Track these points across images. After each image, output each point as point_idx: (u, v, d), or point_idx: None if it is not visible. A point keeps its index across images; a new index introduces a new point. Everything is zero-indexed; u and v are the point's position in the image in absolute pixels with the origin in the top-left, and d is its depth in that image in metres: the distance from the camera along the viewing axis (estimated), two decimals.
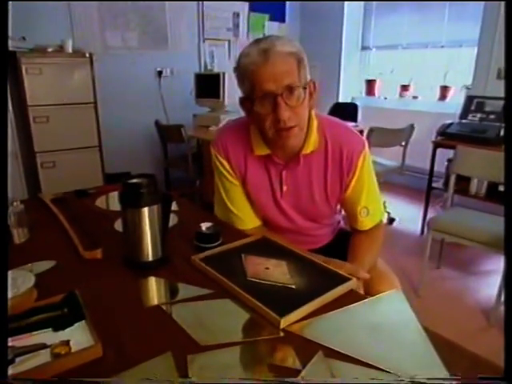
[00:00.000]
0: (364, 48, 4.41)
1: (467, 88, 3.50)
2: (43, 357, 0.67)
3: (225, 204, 1.21)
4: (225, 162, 1.16)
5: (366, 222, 1.18)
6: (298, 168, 1.12)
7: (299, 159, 1.10)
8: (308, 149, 1.08)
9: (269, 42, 0.94)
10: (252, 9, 4.24)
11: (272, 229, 1.24)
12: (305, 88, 0.98)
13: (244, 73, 0.97)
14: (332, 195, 1.15)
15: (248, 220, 1.22)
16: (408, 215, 3.39)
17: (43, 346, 0.68)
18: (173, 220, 1.22)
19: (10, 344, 0.68)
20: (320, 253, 1.13)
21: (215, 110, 3.54)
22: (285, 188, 1.15)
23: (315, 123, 1.09)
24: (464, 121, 2.92)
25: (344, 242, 1.24)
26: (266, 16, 4.37)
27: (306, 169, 1.12)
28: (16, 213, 1.10)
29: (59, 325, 0.74)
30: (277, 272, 0.94)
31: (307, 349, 0.70)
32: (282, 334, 0.74)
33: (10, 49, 2.65)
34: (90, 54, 2.97)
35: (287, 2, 4.49)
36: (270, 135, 1.02)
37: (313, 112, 1.09)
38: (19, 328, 0.73)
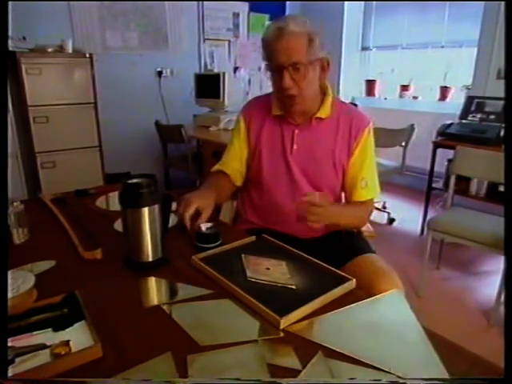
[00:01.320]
0: (364, 48, 4.41)
1: (467, 88, 3.50)
2: (43, 357, 0.67)
3: (225, 153, 1.38)
4: (243, 124, 1.32)
5: (363, 193, 1.26)
6: (310, 129, 1.24)
7: (311, 121, 1.23)
8: (321, 114, 1.22)
9: (284, 22, 1.09)
10: (252, 9, 4.24)
11: (277, 191, 1.28)
12: (312, 64, 1.12)
13: (264, 45, 1.14)
14: (338, 161, 1.24)
15: (227, 164, 1.35)
16: (408, 215, 3.39)
17: (43, 346, 0.68)
18: (173, 220, 1.22)
19: (10, 344, 0.68)
20: (317, 248, 1.13)
21: (215, 110, 3.53)
22: (295, 147, 1.25)
23: (330, 98, 1.24)
24: (464, 121, 2.92)
25: (343, 241, 1.26)
26: (266, 16, 4.37)
27: (318, 131, 1.24)
28: (16, 213, 1.10)
29: (59, 325, 0.74)
30: (277, 272, 0.94)
31: (307, 349, 0.70)
32: (281, 334, 0.74)
33: (10, 49, 2.65)
34: (90, 54, 2.97)
35: (287, 2, 4.49)
36: (280, 98, 1.21)
37: (330, 91, 1.24)
38: (19, 328, 0.73)
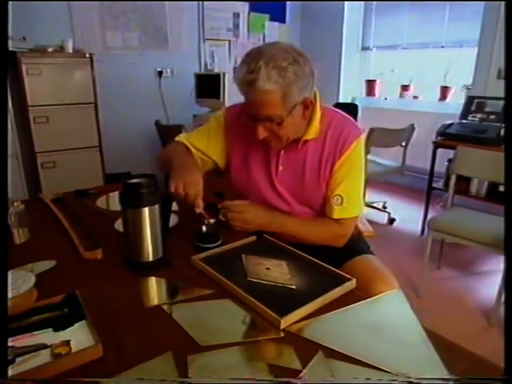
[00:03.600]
0: (364, 48, 4.41)
1: (467, 88, 3.50)
2: (43, 357, 0.67)
3: (193, 134, 1.31)
4: (224, 131, 1.26)
5: (336, 210, 1.17)
6: (296, 150, 1.17)
7: (298, 144, 1.15)
8: (309, 136, 1.14)
9: (254, 73, 0.96)
10: (252, 9, 4.23)
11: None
12: (291, 112, 1.02)
13: (238, 87, 1.04)
14: (323, 179, 1.17)
15: (197, 144, 1.27)
16: (408, 215, 3.38)
17: (44, 346, 0.68)
18: (173, 220, 1.22)
19: (10, 344, 0.68)
20: (314, 249, 1.12)
21: (215, 110, 3.53)
22: (280, 168, 1.20)
23: (318, 115, 1.14)
24: (464, 121, 2.92)
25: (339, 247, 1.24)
26: (267, 16, 4.36)
27: (303, 152, 1.17)
28: (16, 213, 1.10)
29: (59, 325, 0.74)
30: (277, 272, 0.94)
31: (307, 349, 0.70)
32: (282, 334, 0.74)
33: (11, 49, 2.65)
34: (91, 55, 2.97)
35: (287, 2, 4.48)
36: None
37: (318, 105, 1.14)
38: (19, 328, 0.73)
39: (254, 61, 0.97)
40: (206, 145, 1.27)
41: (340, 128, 1.15)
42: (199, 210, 1.05)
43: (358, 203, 1.19)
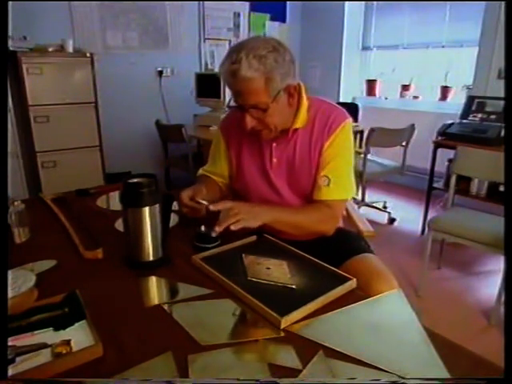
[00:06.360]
0: (365, 48, 4.41)
1: (468, 88, 3.50)
2: (44, 356, 0.67)
3: (208, 163, 1.40)
4: (223, 143, 1.32)
5: (323, 191, 1.17)
6: (287, 140, 1.20)
7: (288, 133, 1.18)
8: (297, 125, 1.18)
9: (236, 64, 1.00)
10: (253, 9, 4.24)
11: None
12: (275, 99, 1.05)
13: (223, 79, 1.09)
14: (314, 161, 1.19)
15: (211, 173, 1.36)
16: (408, 215, 3.38)
17: (44, 346, 0.68)
18: (173, 220, 1.22)
19: (10, 343, 0.68)
20: (314, 248, 1.11)
21: (216, 109, 3.54)
22: (274, 160, 1.22)
23: (305, 105, 1.18)
24: (465, 121, 2.92)
25: (341, 241, 1.25)
26: (267, 16, 4.36)
27: (295, 140, 1.20)
28: (17, 212, 1.10)
29: (60, 324, 0.74)
30: (277, 272, 0.95)
31: (308, 349, 0.70)
32: (282, 333, 0.74)
33: (11, 48, 2.65)
34: (91, 54, 2.97)
35: (288, 2, 4.48)
36: None
37: (304, 96, 1.18)
38: (20, 327, 0.73)
39: (235, 53, 1.01)
40: (216, 166, 1.35)
41: (328, 113, 1.19)
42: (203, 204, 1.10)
43: (346, 186, 1.20)
